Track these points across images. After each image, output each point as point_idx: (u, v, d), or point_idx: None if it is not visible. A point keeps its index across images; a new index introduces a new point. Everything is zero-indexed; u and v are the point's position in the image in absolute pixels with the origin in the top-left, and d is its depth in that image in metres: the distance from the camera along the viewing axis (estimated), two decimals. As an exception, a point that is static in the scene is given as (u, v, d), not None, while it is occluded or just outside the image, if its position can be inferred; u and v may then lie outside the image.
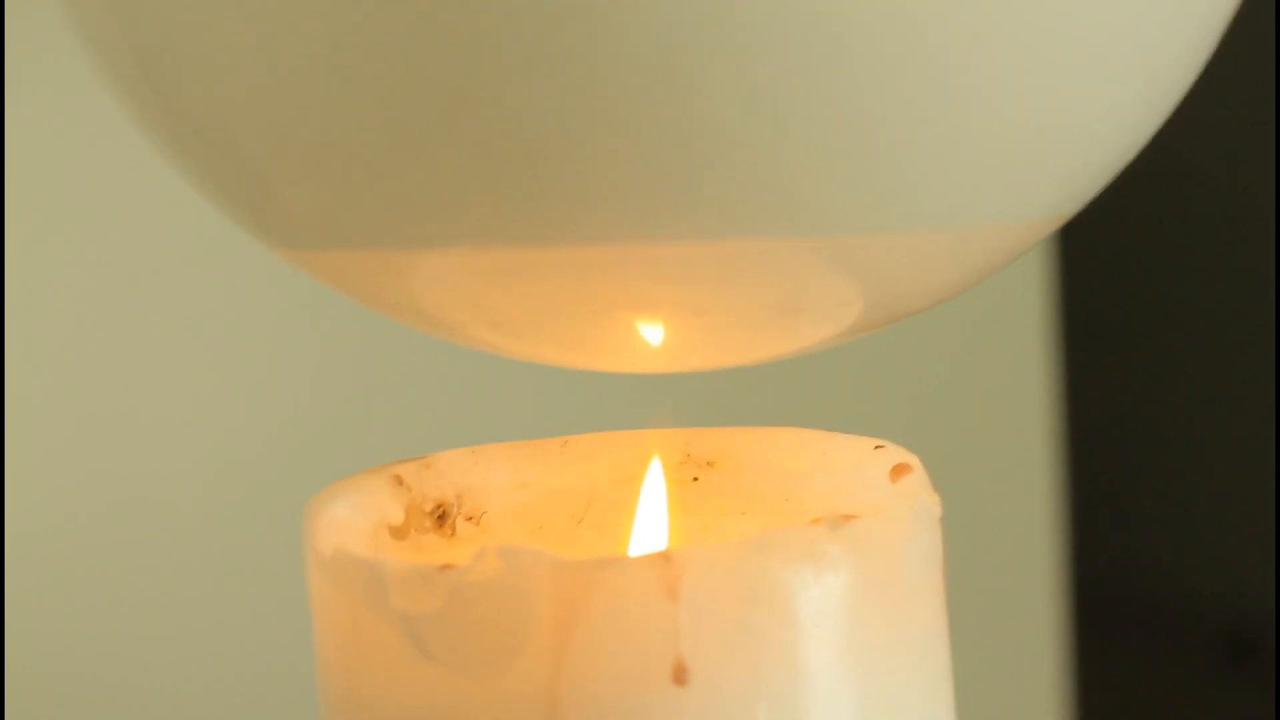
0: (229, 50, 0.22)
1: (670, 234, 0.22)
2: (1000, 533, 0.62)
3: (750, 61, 0.21)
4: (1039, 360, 0.62)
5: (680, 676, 0.23)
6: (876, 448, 0.26)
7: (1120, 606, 1.35)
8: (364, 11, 0.21)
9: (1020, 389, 0.61)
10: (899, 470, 0.26)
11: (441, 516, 0.27)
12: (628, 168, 0.22)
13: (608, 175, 0.22)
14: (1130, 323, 1.40)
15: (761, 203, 0.22)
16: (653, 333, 0.25)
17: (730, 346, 0.26)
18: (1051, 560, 0.63)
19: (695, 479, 0.28)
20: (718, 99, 0.21)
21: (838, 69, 0.21)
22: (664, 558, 0.23)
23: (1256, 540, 1.33)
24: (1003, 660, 0.63)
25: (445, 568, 0.23)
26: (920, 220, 0.23)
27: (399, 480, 0.27)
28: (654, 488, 0.27)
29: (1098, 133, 0.24)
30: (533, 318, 0.25)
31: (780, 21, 0.20)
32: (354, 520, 0.26)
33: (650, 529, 0.27)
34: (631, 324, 0.25)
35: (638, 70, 0.21)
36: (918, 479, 0.25)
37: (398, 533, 0.27)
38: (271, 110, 0.23)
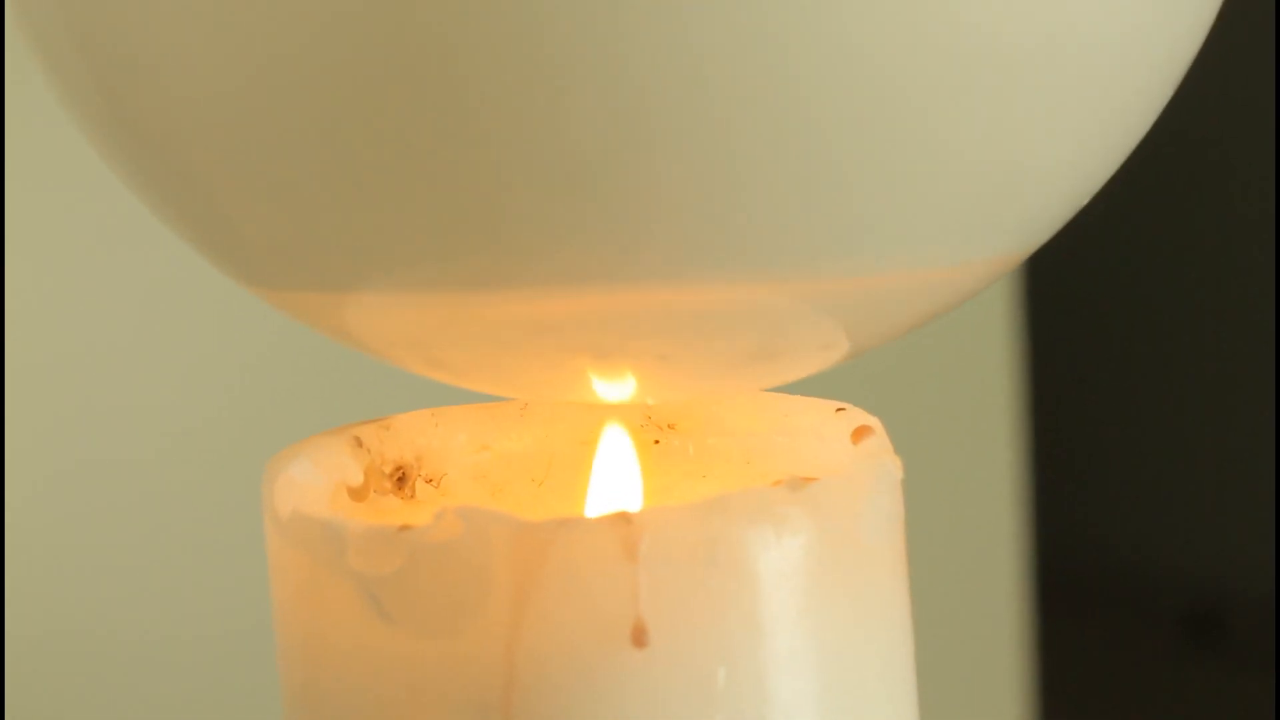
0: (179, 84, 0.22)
1: (629, 279, 0.22)
2: (963, 512, 0.62)
3: (713, 110, 0.20)
4: (1004, 332, 0.62)
5: (640, 638, 0.23)
6: (838, 410, 0.26)
7: (1083, 581, 1.36)
8: (306, 46, 0.20)
9: (984, 361, 0.61)
10: (860, 433, 0.26)
11: (401, 478, 0.27)
12: (583, 211, 0.21)
13: (562, 218, 0.21)
14: (1096, 300, 1.41)
15: (726, 248, 0.22)
16: (612, 378, 0.25)
17: (694, 387, 0.25)
18: (1014, 535, 0.63)
19: (656, 442, 0.28)
20: (677, 143, 0.20)
21: (800, 115, 0.21)
22: (623, 519, 0.22)
23: (1219, 517, 1.33)
24: (965, 634, 0.63)
25: (404, 528, 0.23)
26: (887, 261, 0.23)
27: (358, 442, 0.27)
28: (615, 450, 0.27)
29: (1069, 171, 0.24)
30: (480, 361, 0.24)
31: (743, 70, 0.20)
32: (313, 481, 0.25)
33: (612, 491, 0.27)
34: (590, 370, 0.24)
35: (594, 114, 0.20)
36: (879, 442, 0.25)
37: (357, 494, 0.26)
38: (216, 139, 0.22)
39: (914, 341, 0.56)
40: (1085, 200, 0.25)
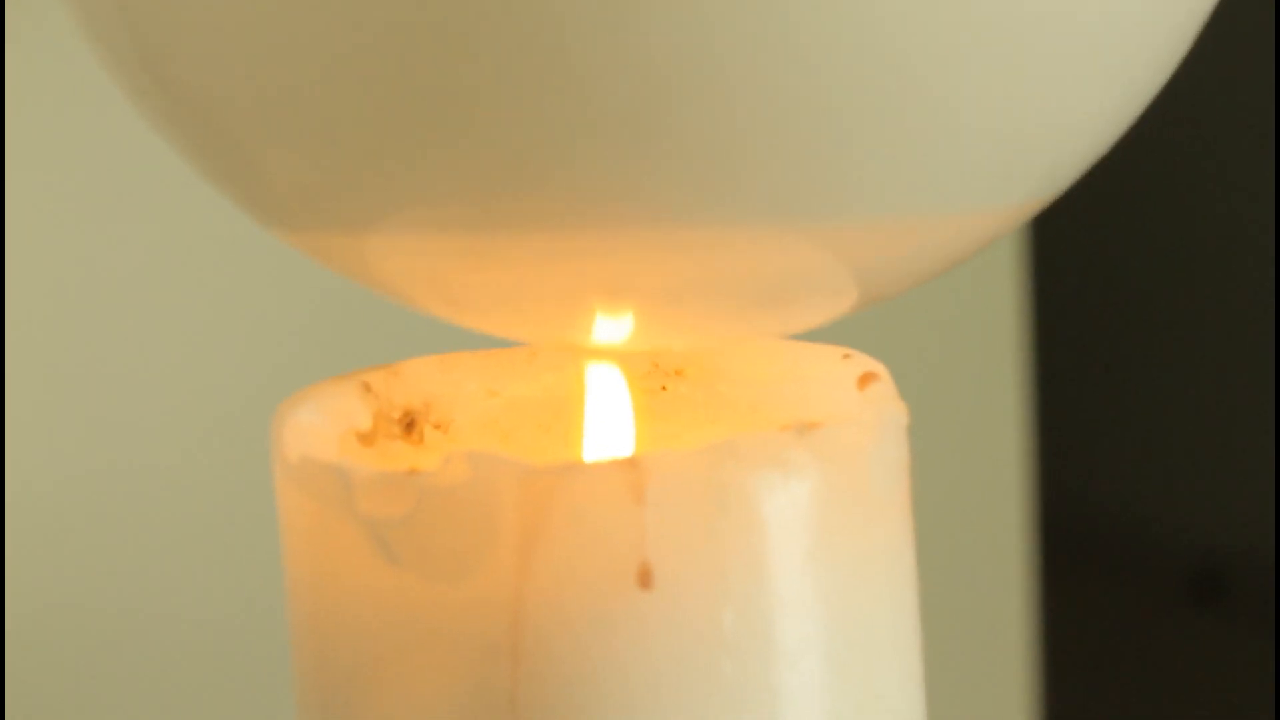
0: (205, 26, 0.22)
1: (641, 220, 0.22)
2: (966, 466, 0.62)
3: (725, 46, 0.20)
4: (1011, 285, 0.62)
5: (646, 580, 0.23)
6: (844, 357, 0.26)
7: (1087, 538, 1.36)
8: None
9: (991, 313, 0.61)
10: (866, 379, 0.26)
11: (410, 424, 0.27)
12: (595, 150, 0.21)
13: (574, 158, 0.21)
14: (1103, 257, 1.40)
15: (739, 189, 0.22)
16: (625, 319, 0.25)
17: (706, 330, 0.25)
18: (1019, 491, 0.63)
19: (663, 388, 0.28)
20: (691, 85, 0.20)
21: (814, 55, 0.21)
22: (630, 463, 0.23)
23: (1226, 477, 1.33)
24: (969, 588, 0.63)
25: (412, 473, 0.23)
26: (899, 207, 0.23)
27: (367, 388, 0.27)
28: (612, 396, 0.27)
29: (1086, 119, 0.24)
30: (497, 301, 0.24)
31: (757, 12, 0.20)
32: (321, 427, 0.26)
33: (617, 436, 0.27)
34: (604, 310, 0.24)
35: (606, 52, 0.20)
36: (885, 388, 0.25)
37: (365, 439, 0.27)
38: (243, 80, 0.22)
39: (921, 291, 0.56)
40: (1103, 149, 0.25)
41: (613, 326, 0.25)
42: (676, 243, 0.22)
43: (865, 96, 0.21)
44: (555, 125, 0.21)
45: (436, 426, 0.28)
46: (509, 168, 0.21)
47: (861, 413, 0.24)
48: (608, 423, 0.27)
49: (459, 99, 0.21)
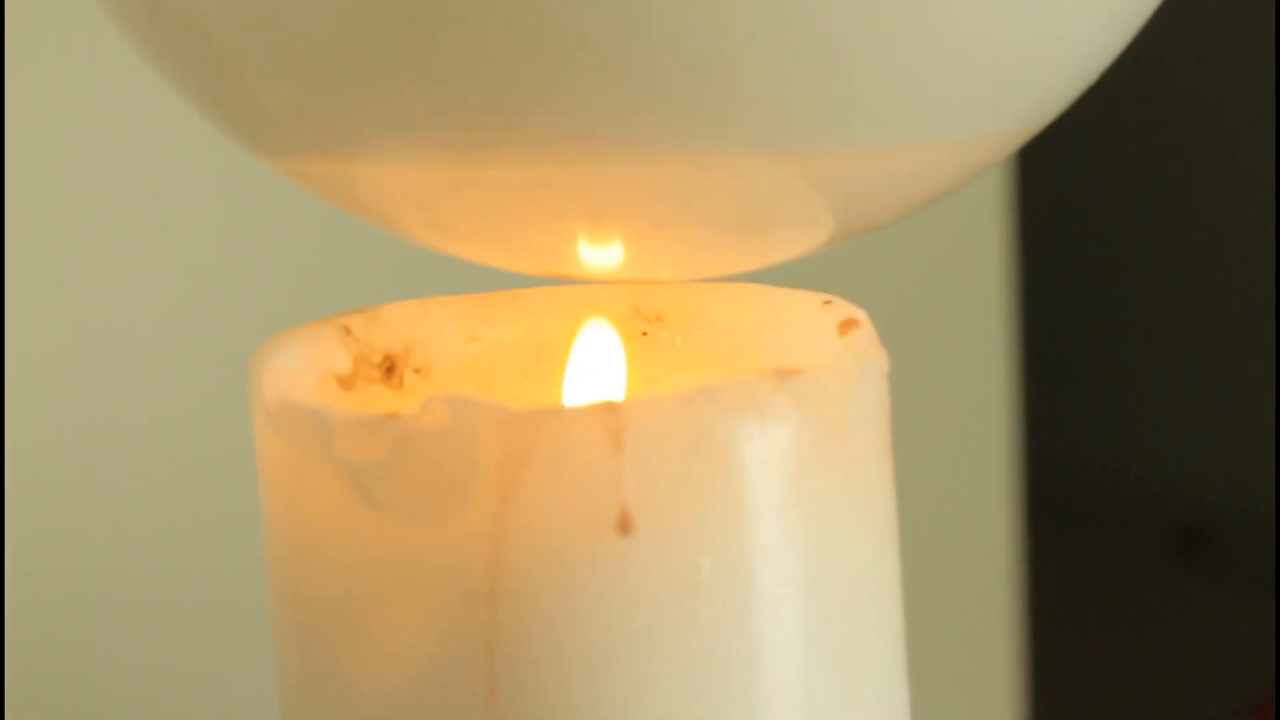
0: None
1: (625, 143, 0.22)
2: (951, 416, 0.62)
3: None
4: (997, 235, 0.62)
5: (625, 526, 0.23)
6: (825, 303, 0.26)
7: (1074, 495, 1.36)
8: None
9: (977, 262, 0.61)
10: (847, 325, 0.26)
11: (389, 368, 0.27)
12: (580, 73, 0.21)
13: (560, 81, 0.21)
14: (1089, 208, 1.40)
15: (721, 113, 0.22)
16: (609, 244, 0.25)
17: (686, 260, 0.25)
18: (1005, 448, 0.63)
19: (644, 334, 0.28)
20: (672, 7, 0.20)
21: None
22: (609, 408, 0.22)
23: (1211, 434, 1.34)
24: (955, 543, 0.63)
25: (391, 416, 0.23)
26: (882, 134, 0.23)
27: (347, 331, 0.27)
28: (599, 341, 0.27)
29: (1070, 49, 0.23)
30: (481, 225, 0.24)
31: None
32: (301, 370, 0.25)
33: (599, 380, 0.27)
34: (586, 234, 0.24)
35: None
36: (865, 334, 0.25)
37: (345, 383, 0.27)
38: (232, 7, 0.22)
39: (904, 235, 0.56)
40: (1090, 79, 0.25)
41: (595, 254, 0.25)
42: (657, 168, 0.22)
43: (847, 21, 0.21)
44: (536, 51, 0.21)
45: (416, 371, 0.28)
46: (492, 92, 0.21)
47: (841, 359, 0.24)
48: (590, 368, 0.27)
49: (442, 23, 0.21)
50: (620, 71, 0.21)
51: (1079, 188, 1.39)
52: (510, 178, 0.23)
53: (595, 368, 0.27)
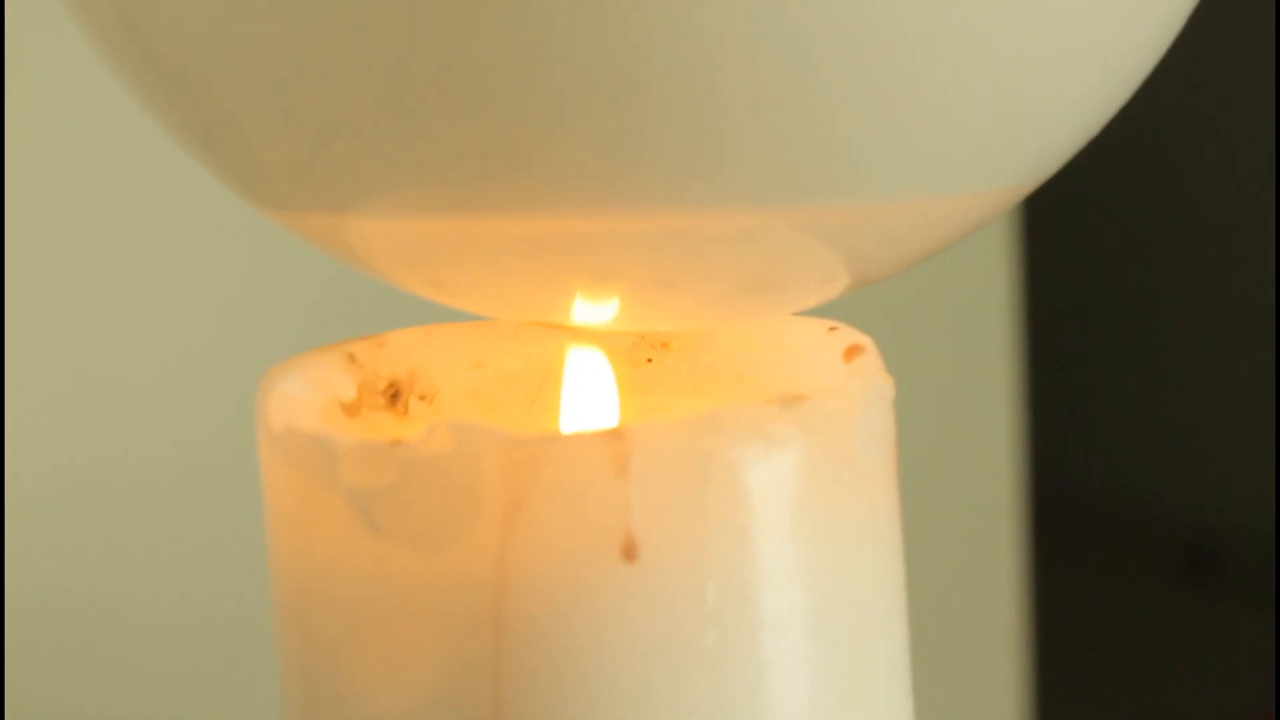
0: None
1: (629, 203, 0.22)
2: (957, 439, 0.62)
3: (709, 29, 0.20)
4: (1002, 258, 0.62)
5: (630, 552, 0.23)
6: (830, 329, 0.26)
7: (1083, 516, 1.36)
8: None
9: (982, 285, 0.61)
10: (852, 351, 0.26)
11: (394, 395, 0.27)
12: (582, 135, 0.21)
13: (562, 142, 0.21)
14: (1094, 230, 1.40)
15: (726, 173, 0.21)
16: (611, 303, 0.24)
17: (694, 314, 0.25)
18: (1010, 464, 0.63)
19: (649, 360, 0.28)
20: (675, 67, 0.20)
21: (799, 38, 0.20)
22: (614, 434, 0.22)
23: (1218, 454, 1.33)
24: (963, 565, 0.63)
25: (395, 443, 0.23)
26: (885, 191, 0.22)
27: (352, 358, 0.27)
28: (595, 369, 0.27)
29: (1071, 103, 0.23)
30: (479, 283, 0.24)
31: None
32: (306, 397, 0.25)
33: (600, 408, 0.27)
34: (589, 294, 0.24)
35: (589, 35, 0.20)
36: (871, 360, 0.25)
37: (350, 410, 0.27)
38: (232, 65, 0.22)
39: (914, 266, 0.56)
40: (1091, 133, 0.25)
41: (597, 310, 0.24)
42: (660, 227, 0.22)
43: (851, 80, 0.21)
44: (537, 108, 0.21)
45: (421, 397, 0.28)
46: (492, 150, 0.21)
47: (847, 385, 0.24)
48: (592, 395, 0.27)
49: (442, 81, 0.21)
50: (618, 132, 0.21)
51: (1084, 210, 1.39)
52: (508, 236, 0.23)
53: (599, 395, 0.27)
